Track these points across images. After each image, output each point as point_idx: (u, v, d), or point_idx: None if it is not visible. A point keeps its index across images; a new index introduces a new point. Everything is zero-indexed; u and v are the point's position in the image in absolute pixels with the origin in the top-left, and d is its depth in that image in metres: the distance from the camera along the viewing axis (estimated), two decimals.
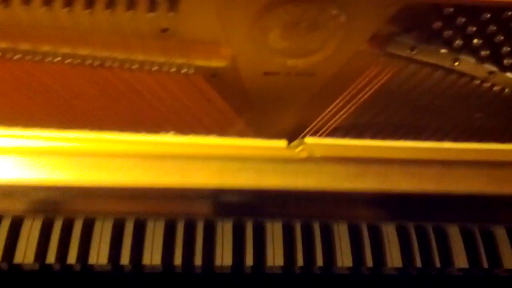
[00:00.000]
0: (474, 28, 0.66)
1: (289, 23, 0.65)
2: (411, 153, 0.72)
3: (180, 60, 0.69)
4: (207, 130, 0.74)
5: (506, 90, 0.74)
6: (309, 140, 0.70)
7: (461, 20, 0.65)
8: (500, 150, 0.74)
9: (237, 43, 0.68)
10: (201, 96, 0.73)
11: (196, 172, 0.66)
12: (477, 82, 0.73)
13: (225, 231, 0.72)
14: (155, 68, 0.68)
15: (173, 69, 0.69)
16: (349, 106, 0.77)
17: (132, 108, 0.72)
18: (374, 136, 0.76)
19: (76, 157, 0.65)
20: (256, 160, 0.68)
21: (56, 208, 0.70)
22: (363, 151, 0.69)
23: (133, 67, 0.68)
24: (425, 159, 0.71)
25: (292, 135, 0.78)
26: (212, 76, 0.71)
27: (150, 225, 0.72)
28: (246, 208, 0.71)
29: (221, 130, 0.76)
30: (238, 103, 0.75)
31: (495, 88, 0.74)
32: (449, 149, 0.74)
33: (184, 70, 0.69)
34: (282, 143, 0.69)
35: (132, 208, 0.71)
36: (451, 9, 0.63)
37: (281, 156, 0.68)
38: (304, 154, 0.68)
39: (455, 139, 0.77)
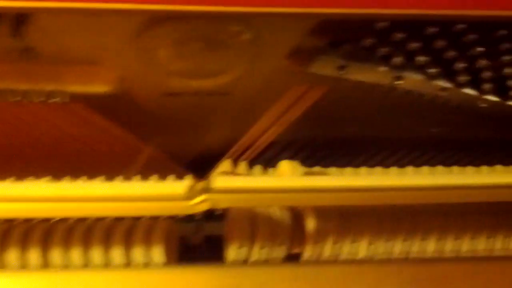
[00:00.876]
0: (418, 44, 0.51)
1: (180, 42, 0.51)
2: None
3: (49, 87, 0.54)
4: (108, 168, 0.61)
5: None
6: (218, 182, 0.56)
7: (399, 36, 0.50)
8: None
9: (122, 66, 0.54)
10: (89, 125, 0.60)
11: None
12: (428, 98, 0.59)
13: None
14: (18, 98, 0.54)
15: (41, 98, 0.54)
16: (275, 127, 0.64)
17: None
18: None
19: None
20: None
21: None
22: (281, 199, 0.56)
23: None
24: None
25: (205, 167, 0.67)
26: (98, 101, 0.57)
27: None
28: None
29: (127, 161, 0.64)
30: (142, 129, 0.62)
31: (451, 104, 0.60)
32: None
33: (56, 98, 0.55)
34: (177, 190, 0.55)
35: None
36: (385, 24, 0.48)
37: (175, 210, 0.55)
38: (204, 207, 0.54)
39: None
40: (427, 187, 0.55)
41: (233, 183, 0.56)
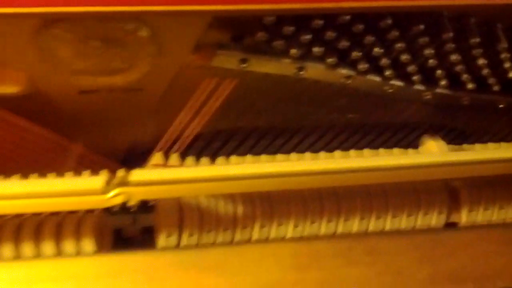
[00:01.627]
0: (308, 36, 0.52)
1: (77, 42, 0.52)
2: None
3: None
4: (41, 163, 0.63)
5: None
6: (133, 176, 0.58)
7: (289, 29, 0.51)
8: None
9: (27, 67, 0.55)
10: (12, 127, 0.61)
11: None
12: (336, 86, 0.61)
13: None
14: None
15: None
16: (198, 120, 0.66)
17: None
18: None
19: None
20: None
21: None
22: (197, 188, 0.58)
23: None
24: None
25: (140, 161, 0.69)
26: (15, 103, 0.58)
27: None
28: None
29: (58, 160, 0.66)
30: (66, 128, 0.63)
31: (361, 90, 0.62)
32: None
33: None
34: (95, 185, 0.57)
35: None
36: (272, 19, 0.50)
37: (93, 204, 0.57)
38: (119, 200, 0.56)
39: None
40: (342, 170, 0.57)
41: (147, 176, 0.58)
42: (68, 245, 0.62)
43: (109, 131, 0.70)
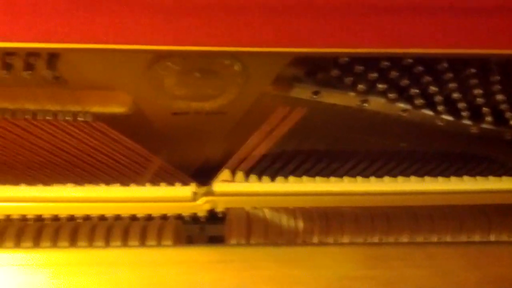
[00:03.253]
0: (376, 75, 0.62)
1: (182, 73, 0.63)
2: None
3: (74, 108, 0.67)
4: (124, 176, 0.73)
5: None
6: (217, 187, 0.68)
7: (359, 68, 0.61)
8: None
9: (135, 91, 0.66)
10: (110, 140, 0.72)
11: None
12: (393, 117, 0.70)
13: None
14: (49, 117, 0.67)
15: (68, 117, 0.67)
16: (267, 142, 0.75)
17: (41, 158, 0.71)
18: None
19: None
20: None
21: None
22: (272, 201, 0.68)
23: (26, 116, 0.66)
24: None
25: (213, 171, 0.77)
26: (117, 121, 0.69)
27: None
28: None
29: (139, 171, 0.76)
30: (153, 143, 0.74)
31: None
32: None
33: (80, 118, 0.67)
34: (185, 193, 0.67)
35: None
36: (346, 59, 0.60)
37: (183, 210, 0.67)
38: (207, 207, 0.66)
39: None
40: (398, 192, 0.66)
41: (230, 188, 0.68)
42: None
43: (187, 147, 0.78)
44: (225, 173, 0.81)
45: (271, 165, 0.81)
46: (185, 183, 0.72)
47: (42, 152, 0.72)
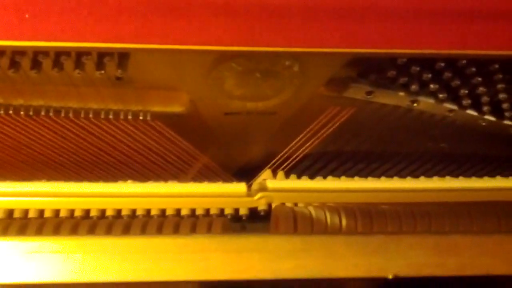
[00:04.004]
0: (430, 75, 0.65)
1: (243, 73, 0.65)
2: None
3: (136, 107, 0.69)
4: (168, 173, 0.76)
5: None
6: (270, 184, 0.70)
7: (416, 68, 0.64)
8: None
9: (194, 91, 0.69)
10: (162, 137, 0.74)
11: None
12: (438, 118, 0.73)
13: None
14: (111, 116, 0.69)
15: (129, 116, 0.69)
16: (311, 142, 0.77)
17: (92, 156, 0.73)
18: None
19: None
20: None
21: None
22: (323, 197, 0.70)
23: (89, 115, 0.68)
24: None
25: (257, 170, 0.80)
26: (172, 119, 0.71)
27: None
28: None
29: (185, 167, 0.78)
30: (201, 141, 0.76)
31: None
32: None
33: (141, 117, 0.70)
34: (241, 188, 0.70)
35: None
36: (404, 60, 0.63)
37: (240, 204, 0.69)
38: (263, 202, 0.69)
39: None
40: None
41: (284, 185, 0.70)
42: None
43: (233, 146, 0.81)
44: (267, 173, 0.83)
45: (310, 166, 0.83)
46: (226, 181, 0.74)
47: (98, 150, 0.74)
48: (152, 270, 0.59)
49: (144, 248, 0.61)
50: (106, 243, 0.63)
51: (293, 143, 0.78)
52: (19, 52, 0.59)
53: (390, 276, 0.55)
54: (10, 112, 0.67)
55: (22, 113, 0.66)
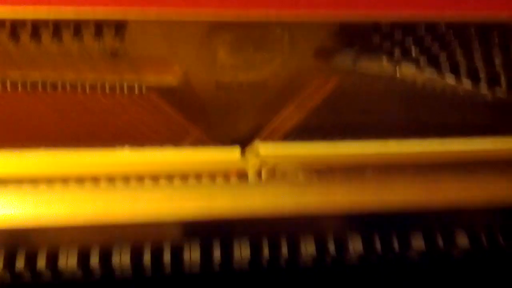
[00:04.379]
0: (411, 40, 0.69)
1: (236, 43, 0.68)
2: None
3: (131, 80, 0.71)
4: (162, 141, 0.78)
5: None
6: (262, 147, 0.73)
7: (398, 34, 0.68)
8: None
9: (187, 62, 0.71)
10: (155, 110, 0.76)
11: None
12: (419, 86, 0.77)
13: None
14: (107, 87, 0.71)
15: (124, 88, 0.71)
16: (299, 111, 0.80)
17: (87, 126, 0.75)
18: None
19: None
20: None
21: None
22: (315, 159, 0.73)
23: (85, 87, 0.70)
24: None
25: (246, 141, 0.82)
26: (166, 93, 0.73)
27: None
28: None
29: (177, 140, 0.80)
30: (192, 114, 0.78)
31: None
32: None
33: (136, 89, 0.72)
34: (235, 152, 0.72)
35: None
36: (387, 27, 0.67)
37: (235, 166, 0.72)
38: (257, 163, 0.71)
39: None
40: None
41: (274, 149, 0.73)
42: None
43: (224, 119, 0.82)
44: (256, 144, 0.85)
45: (298, 137, 0.86)
46: None
47: (93, 125, 0.75)
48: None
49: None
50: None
51: (280, 114, 0.80)
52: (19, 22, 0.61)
53: None
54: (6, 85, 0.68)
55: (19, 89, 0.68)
